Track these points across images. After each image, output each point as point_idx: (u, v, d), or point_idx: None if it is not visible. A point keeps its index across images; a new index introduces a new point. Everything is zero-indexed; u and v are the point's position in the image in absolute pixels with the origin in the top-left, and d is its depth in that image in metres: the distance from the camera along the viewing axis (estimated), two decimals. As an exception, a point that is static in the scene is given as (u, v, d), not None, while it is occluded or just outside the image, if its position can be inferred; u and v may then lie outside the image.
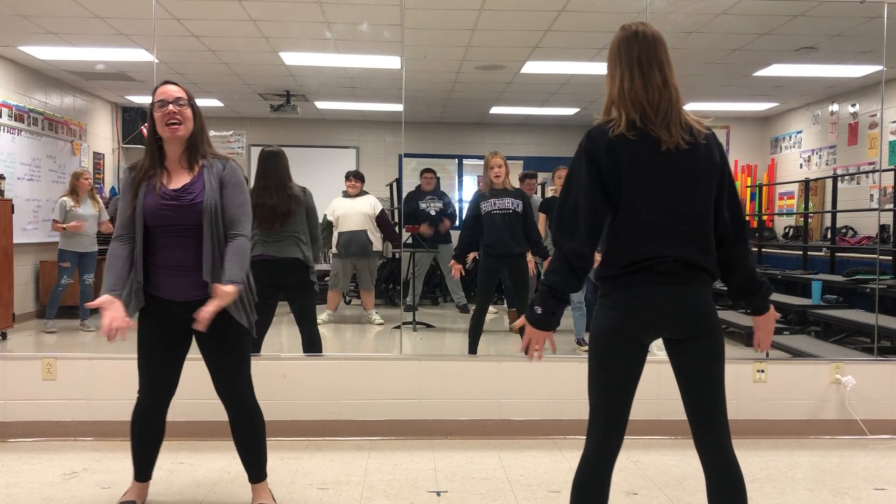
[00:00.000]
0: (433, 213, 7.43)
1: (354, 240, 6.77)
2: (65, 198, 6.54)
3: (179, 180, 2.68)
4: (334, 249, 6.93)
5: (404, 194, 7.52)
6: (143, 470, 2.89)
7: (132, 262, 2.67)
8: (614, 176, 2.02)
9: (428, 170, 7.67)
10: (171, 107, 2.63)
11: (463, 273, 5.28)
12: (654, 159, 2.03)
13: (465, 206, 7.61)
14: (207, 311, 2.52)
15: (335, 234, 6.88)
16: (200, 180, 2.67)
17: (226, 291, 2.55)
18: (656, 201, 2.03)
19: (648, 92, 2.04)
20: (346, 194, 6.93)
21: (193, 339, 2.79)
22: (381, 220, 6.87)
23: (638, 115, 2.04)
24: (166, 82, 2.71)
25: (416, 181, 7.86)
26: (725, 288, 2.19)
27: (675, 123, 2.04)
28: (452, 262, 5.18)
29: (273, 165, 4.30)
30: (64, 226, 6.43)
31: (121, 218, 2.72)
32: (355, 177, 6.93)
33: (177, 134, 2.65)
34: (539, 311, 2.07)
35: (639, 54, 2.07)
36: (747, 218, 9.70)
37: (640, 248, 2.03)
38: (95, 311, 7.28)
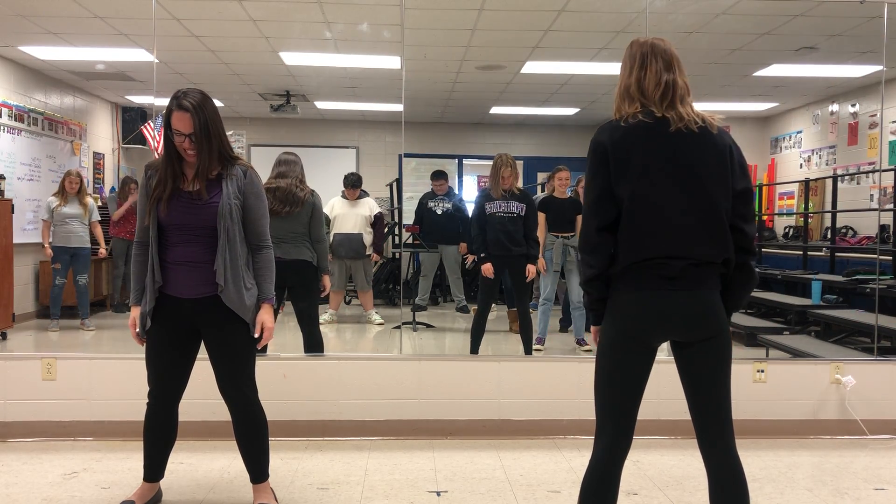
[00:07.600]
0: (440, 212, 7.42)
1: (348, 242, 6.80)
2: (52, 197, 6.66)
3: (196, 183, 2.71)
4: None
5: (407, 194, 7.50)
6: (155, 470, 2.91)
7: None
8: (620, 165, 2.04)
9: (440, 174, 7.59)
10: (186, 143, 2.64)
11: (490, 273, 5.01)
12: (663, 146, 2.05)
13: (467, 206, 7.55)
14: (269, 330, 2.80)
15: (331, 235, 6.89)
16: (219, 185, 2.71)
17: (267, 311, 2.79)
18: (661, 191, 2.03)
19: (658, 87, 2.10)
20: (344, 195, 6.95)
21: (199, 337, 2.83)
22: (376, 222, 7.00)
23: (645, 108, 2.09)
24: (179, 105, 2.61)
25: (416, 181, 7.84)
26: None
27: (685, 109, 2.09)
28: (471, 256, 5.29)
29: (290, 166, 4.43)
30: (47, 243, 6.55)
31: (139, 223, 2.78)
32: (353, 185, 6.92)
33: (192, 160, 2.69)
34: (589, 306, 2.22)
35: (652, 59, 2.13)
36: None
37: (647, 243, 2.03)
38: (95, 311, 7.35)
